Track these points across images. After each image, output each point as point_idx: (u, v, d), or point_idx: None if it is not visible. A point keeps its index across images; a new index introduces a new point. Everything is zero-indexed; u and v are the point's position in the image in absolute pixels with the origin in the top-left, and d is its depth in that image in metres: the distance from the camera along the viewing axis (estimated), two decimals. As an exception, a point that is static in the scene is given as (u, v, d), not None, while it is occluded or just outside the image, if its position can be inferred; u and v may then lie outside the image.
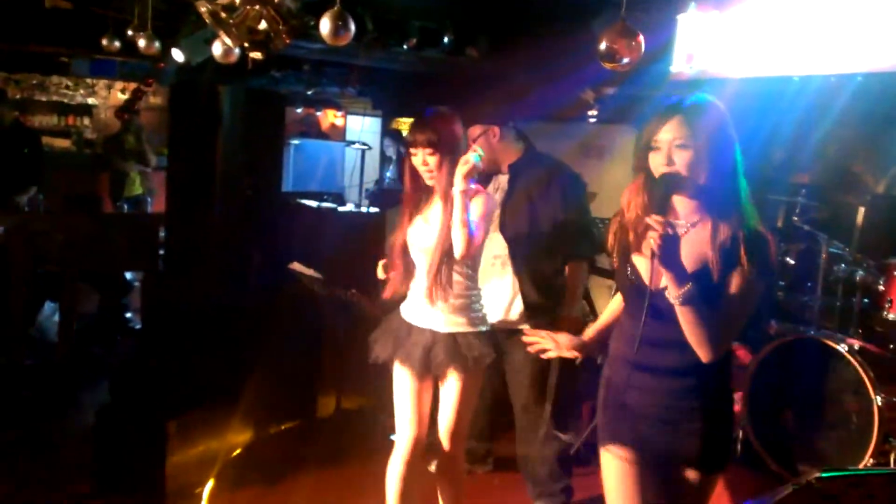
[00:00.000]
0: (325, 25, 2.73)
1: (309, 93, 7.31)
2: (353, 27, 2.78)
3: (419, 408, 2.76)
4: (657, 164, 1.91)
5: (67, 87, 9.76)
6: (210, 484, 3.43)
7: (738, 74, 4.20)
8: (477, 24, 5.06)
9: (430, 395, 2.79)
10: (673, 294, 1.82)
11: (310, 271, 4.15)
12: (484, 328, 2.73)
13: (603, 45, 2.53)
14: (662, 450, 1.99)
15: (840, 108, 4.03)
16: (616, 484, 2.05)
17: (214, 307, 4.62)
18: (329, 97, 8.71)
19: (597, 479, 2.16)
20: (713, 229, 1.90)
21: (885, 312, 3.49)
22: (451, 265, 2.63)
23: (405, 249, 2.75)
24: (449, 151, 2.62)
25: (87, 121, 9.90)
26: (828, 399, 3.47)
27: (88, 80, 9.68)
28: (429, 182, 2.67)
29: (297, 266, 4.16)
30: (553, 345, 2.24)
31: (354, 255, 4.48)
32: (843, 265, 3.64)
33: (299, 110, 9.58)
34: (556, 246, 3.15)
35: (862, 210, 3.87)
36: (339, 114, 10.29)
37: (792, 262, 3.88)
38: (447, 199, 2.61)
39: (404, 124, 8.00)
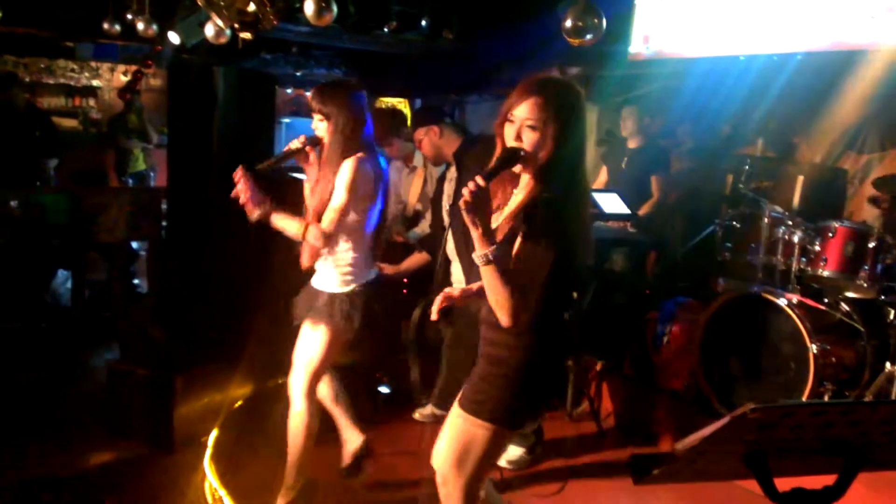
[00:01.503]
0: (308, 6, 2.67)
1: (298, 74, 7.18)
2: (335, 8, 2.72)
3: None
4: (507, 136, 1.88)
5: (73, 70, 9.51)
6: (214, 433, 3.43)
7: (690, 54, 4.18)
8: (452, 7, 4.99)
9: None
10: (477, 254, 1.77)
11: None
12: (342, 289, 2.71)
13: (568, 23, 2.52)
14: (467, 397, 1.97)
15: (782, 84, 4.02)
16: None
17: (213, 274, 4.57)
18: (317, 78, 8.55)
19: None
20: (526, 199, 1.87)
21: (821, 270, 3.52)
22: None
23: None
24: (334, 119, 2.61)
25: (92, 101, 9.67)
26: (769, 348, 3.51)
27: (92, 63, 9.44)
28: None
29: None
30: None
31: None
32: (783, 228, 3.65)
33: (289, 91, 9.42)
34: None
35: (801, 178, 3.89)
36: (327, 93, 10.12)
37: (738, 225, 3.89)
38: (321, 163, 2.65)
39: (386, 103, 7.92)
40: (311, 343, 2.75)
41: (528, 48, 4.71)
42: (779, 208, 3.78)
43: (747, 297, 3.60)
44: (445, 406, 3.64)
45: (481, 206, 1.77)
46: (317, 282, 2.81)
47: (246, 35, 3.07)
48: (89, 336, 4.91)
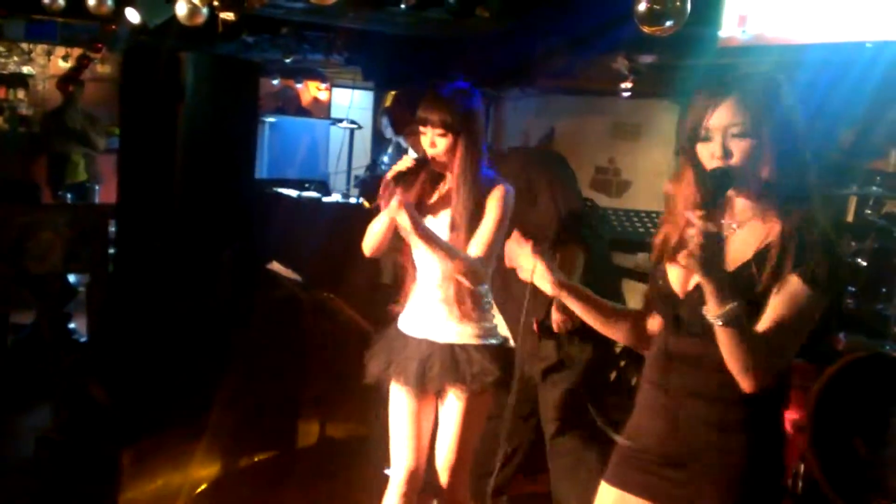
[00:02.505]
0: (309, -20, 2.76)
1: (287, 61, 7.33)
2: (342, -17, 2.82)
3: (416, 434, 2.80)
4: (708, 155, 1.86)
5: (-1, 54, 9.81)
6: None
7: (799, 40, 4.22)
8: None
9: (430, 420, 2.82)
10: (712, 312, 1.75)
11: (289, 272, 4.20)
12: (493, 341, 2.76)
13: (642, 5, 2.57)
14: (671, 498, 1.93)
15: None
16: None
17: (175, 316, 4.65)
18: (311, 66, 8.73)
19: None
20: (764, 230, 1.86)
21: (975, 324, 3.51)
22: None
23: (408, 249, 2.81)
24: (465, 132, 2.67)
25: (21, 94, 9.95)
26: (906, 426, 3.49)
27: (24, 46, 9.71)
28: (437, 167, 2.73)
29: (275, 266, 4.20)
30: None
31: (341, 254, 4.51)
32: (924, 267, 3.66)
33: (276, 82, 9.60)
34: (543, 235, 3.22)
35: (947, 202, 3.90)
36: (324, 86, 10.31)
37: (864, 263, 3.89)
38: (460, 188, 2.67)
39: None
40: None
41: (586, 30, 4.79)
42: (918, 242, 3.79)
43: (877, 359, 3.59)
44: (474, 493, 3.69)
45: (716, 256, 1.77)
46: (440, 333, 2.76)
47: (228, 15, 3.19)
48: (12, 396, 4.99)
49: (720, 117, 1.84)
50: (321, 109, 10.44)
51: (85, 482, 3.60)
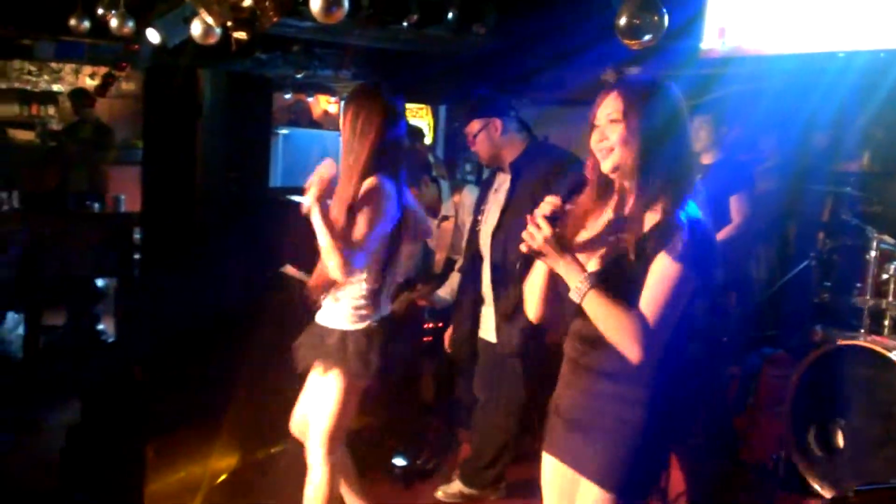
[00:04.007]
0: (315, 2, 2.77)
1: (299, 76, 7.33)
2: (346, 3, 2.83)
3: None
4: (595, 141, 1.98)
5: (30, 73, 9.79)
6: (193, 512, 3.47)
7: (775, 50, 4.21)
8: (483, -3, 5.08)
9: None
10: (574, 287, 1.88)
11: (302, 275, 4.19)
12: (334, 325, 2.85)
13: (623, 21, 2.58)
14: (571, 458, 2.05)
15: (890, 87, 4.03)
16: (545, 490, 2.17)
17: (196, 316, 4.65)
18: (321, 81, 8.71)
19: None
20: (634, 214, 1.94)
21: (944, 315, 3.50)
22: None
23: None
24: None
25: (51, 110, 9.94)
26: (879, 413, 3.48)
27: (53, 65, 9.71)
28: None
29: (288, 269, 4.20)
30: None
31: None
32: (894, 263, 3.65)
33: (288, 96, 9.60)
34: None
35: (916, 201, 3.89)
36: (333, 100, 10.31)
37: (838, 259, 3.89)
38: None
39: (407, 110, 8.03)
40: (325, 392, 2.84)
41: (576, 45, 4.79)
42: (889, 239, 3.78)
43: (851, 350, 3.58)
44: (474, 483, 3.69)
45: (554, 240, 1.88)
46: (324, 318, 2.90)
47: (241, 35, 3.20)
48: (44, 393, 5.00)
49: (603, 107, 1.97)
50: (331, 121, 10.43)
51: (112, 474, 3.60)
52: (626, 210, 1.97)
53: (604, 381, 1.98)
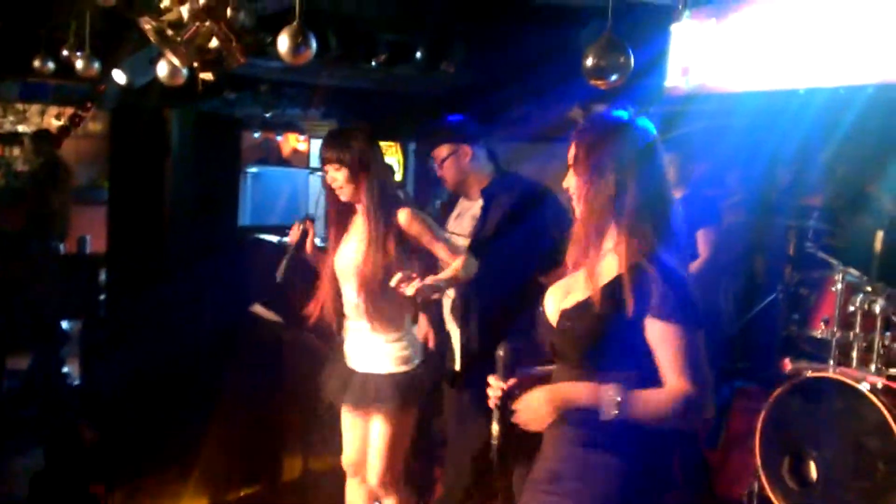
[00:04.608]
0: (283, 43, 2.76)
1: (267, 115, 7.33)
2: (314, 44, 2.82)
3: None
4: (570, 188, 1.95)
5: (-6, 114, 9.72)
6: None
7: (738, 88, 4.29)
8: (452, 36, 5.13)
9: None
10: (604, 409, 1.77)
11: (270, 314, 4.15)
12: (400, 369, 2.88)
13: (589, 61, 2.60)
14: None
15: (850, 122, 4.11)
16: None
17: (164, 358, 4.58)
18: (290, 120, 8.72)
19: None
20: (614, 263, 1.85)
21: (909, 346, 3.54)
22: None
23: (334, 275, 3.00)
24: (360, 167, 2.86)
25: (17, 151, 9.83)
26: (850, 445, 3.49)
27: (19, 106, 9.64)
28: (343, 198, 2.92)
29: (257, 308, 4.15)
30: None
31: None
32: (861, 295, 3.68)
33: (257, 135, 9.60)
34: (536, 285, 3.17)
35: (880, 234, 3.94)
36: (302, 138, 10.32)
37: (805, 291, 3.92)
38: (368, 215, 2.86)
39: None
40: (379, 436, 2.89)
41: (543, 84, 4.84)
42: (854, 271, 3.82)
43: (820, 382, 3.61)
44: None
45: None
46: (362, 363, 2.93)
47: (207, 76, 3.18)
48: (6, 438, 4.89)
49: (569, 155, 1.91)
50: (300, 159, 10.44)
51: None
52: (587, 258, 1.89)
53: (576, 428, 1.87)
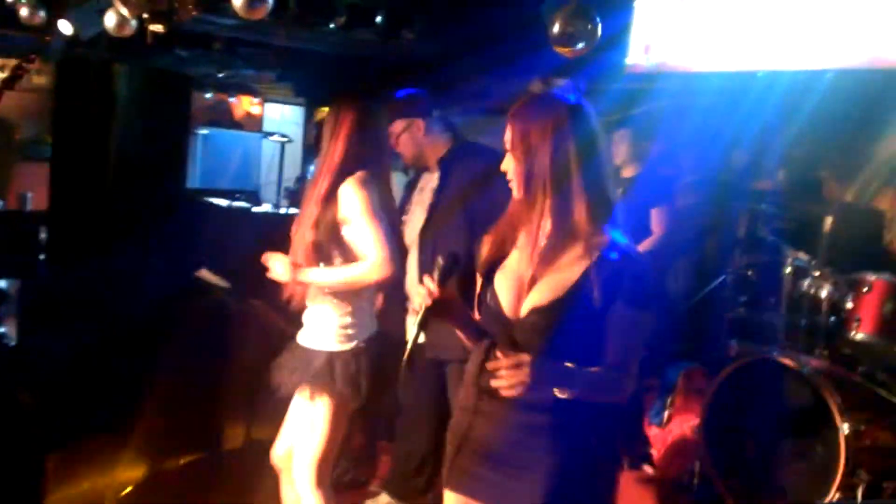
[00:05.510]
0: (237, -4, 2.67)
1: (220, 76, 7.20)
2: (270, 0, 2.74)
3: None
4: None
5: (-68, 65, 9.36)
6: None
7: (699, 68, 4.30)
8: (414, 2, 5.06)
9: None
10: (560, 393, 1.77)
11: (217, 279, 4.06)
12: (319, 347, 2.74)
13: (556, 28, 2.57)
14: (493, 499, 1.90)
15: (809, 107, 4.13)
16: None
17: (104, 321, 4.47)
18: (244, 81, 8.58)
19: None
20: (552, 247, 1.83)
21: (853, 332, 3.58)
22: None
23: None
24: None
25: (-45, 102, 9.50)
26: (791, 427, 3.54)
27: (-41, 56, 9.30)
28: None
29: (204, 273, 4.06)
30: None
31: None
32: (808, 280, 3.72)
33: (209, 96, 9.40)
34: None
35: (829, 220, 3.98)
36: (256, 101, 10.15)
37: (753, 275, 3.96)
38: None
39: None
40: (312, 418, 2.69)
41: (504, 56, 4.79)
42: (803, 256, 3.86)
43: (764, 364, 3.63)
44: (402, 493, 3.62)
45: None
46: (308, 339, 2.77)
47: (157, 28, 3.07)
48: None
49: (505, 137, 1.88)
50: (254, 123, 10.26)
51: (10, 487, 3.41)
52: (544, 242, 1.85)
53: (525, 412, 1.82)
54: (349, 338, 2.71)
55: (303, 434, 2.72)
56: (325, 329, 2.72)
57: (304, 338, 2.79)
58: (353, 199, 2.61)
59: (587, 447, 1.86)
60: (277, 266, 2.66)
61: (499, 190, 3.17)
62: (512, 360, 1.71)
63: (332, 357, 2.68)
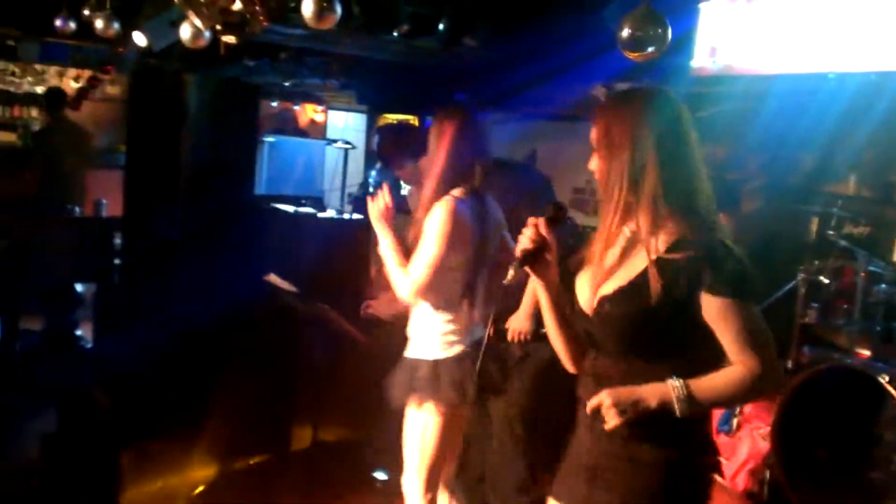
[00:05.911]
0: (307, 7, 2.73)
1: (286, 84, 7.31)
2: (338, 10, 2.79)
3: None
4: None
5: (13, 74, 9.70)
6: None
7: (766, 70, 4.23)
8: (475, 10, 5.08)
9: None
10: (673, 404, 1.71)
11: (285, 285, 4.14)
12: (424, 356, 2.75)
13: (626, 32, 2.55)
14: None
15: (882, 109, 4.04)
16: None
17: (176, 324, 4.59)
18: (309, 90, 8.71)
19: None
20: (657, 241, 1.78)
21: (931, 339, 3.50)
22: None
23: None
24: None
25: (34, 112, 9.85)
26: (866, 436, 3.47)
27: (38, 67, 9.63)
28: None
29: (272, 278, 4.14)
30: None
31: (335, 268, 4.46)
32: (883, 286, 3.65)
33: (275, 104, 9.57)
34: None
35: (905, 224, 3.90)
36: (320, 109, 10.29)
37: (826, 281, 3.88)
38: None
39: (390, 120, 8.01)
40: (421, 426, 2.73)
41: (566, 61, 4.78)
42: (878, 261, 3.78)
43: (838, 372, 3.57)
44: (469, 496, 3.63)
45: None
46: (414, 350, 2.80)
47: (230, 39, 3.16)
48: (19, 399, 4.91)
49: (591, 135, 1.85)
50: (317, 130, 10.42)
51: (88, 483, 3.53)
52: (639, 238, 1.81)
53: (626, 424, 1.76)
54: (452, 344, 2.73)
55: (412, 442, 2.76)
56: (427, 338, 2.75)
57: (410, 350, 2.82)
58: (435, 220, 2.64)
59: (685, 457, 1.82)
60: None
61: (528, 201, 3.22)
62: (593, 405, 1.73)
63: (436, 365, 2.71)
